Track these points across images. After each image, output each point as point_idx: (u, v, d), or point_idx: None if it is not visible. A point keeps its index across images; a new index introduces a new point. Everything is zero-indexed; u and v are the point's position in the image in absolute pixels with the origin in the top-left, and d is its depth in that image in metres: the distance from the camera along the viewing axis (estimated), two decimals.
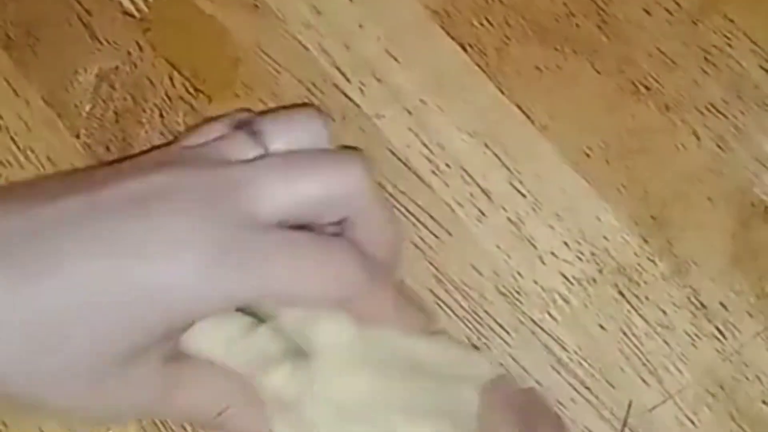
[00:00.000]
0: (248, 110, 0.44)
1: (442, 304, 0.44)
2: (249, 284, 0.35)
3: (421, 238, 0.45)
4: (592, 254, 0.44)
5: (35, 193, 0.37)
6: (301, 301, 0.38)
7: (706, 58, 0.47)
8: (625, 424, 0.42)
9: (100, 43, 0.48)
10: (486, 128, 0.46)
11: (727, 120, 0.46)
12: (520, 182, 0.45)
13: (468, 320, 0.44)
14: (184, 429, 0.42)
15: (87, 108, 0.47)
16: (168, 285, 0.35)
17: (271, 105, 0.47)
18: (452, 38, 0.48)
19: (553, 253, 0.45)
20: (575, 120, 0.46)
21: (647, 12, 0.48)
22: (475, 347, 0.43)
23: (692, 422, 0.42)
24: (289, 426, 0.39)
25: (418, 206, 0.45)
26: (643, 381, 0.43)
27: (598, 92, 0.47)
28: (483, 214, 0.45)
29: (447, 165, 0.46)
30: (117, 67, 0.48)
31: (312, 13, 0.48)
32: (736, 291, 0.44)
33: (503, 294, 0.44)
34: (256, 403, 0.39)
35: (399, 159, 0.46)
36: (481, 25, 0.48)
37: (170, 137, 0.47)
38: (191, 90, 0.47)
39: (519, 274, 0.44)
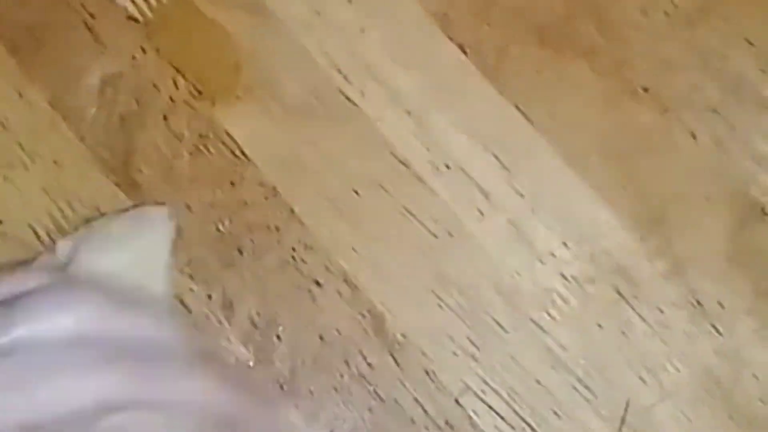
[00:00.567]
0: None
1: (441, 304, 0.45)
2: None
3: (422, 239, 0.45)
4: (591, 254, 0.45)
5: None
6: None
7: (703, 60, 0.47)
8: (623, 422, 0.43)
9: (105, 47, 0.49)
10: (485, 130, 0.47)
11: (725, 121, 0.46)
12: (519, 183, 0.46)
13: (467, 320, 0.44)
14: None
15: (92, 111, 0.48)
16: None
17: (273, 107, 0.47)
18: (452, 40, 0.48)
19: (551, 253, 0.45)
20: (574, 121, 0.47)
21: (645, 14, 0.48)
22: None
23: (690, 420, 0.43)
24: None
25: (419, 207, 0.46)
26: (641, 380, 0.43)
27: (597, 93, 0.47)
28: (482, 214, 0.46)
29: (447, 166, 0.46)
30: (121, 71, 0.48)
31: (313, 16, 0.48)
32: (734, 290, 0.44)
33: (502, 294, 0.45)
34: None
35: (399, 161, 0.46)
36: (481, 27, 0.48)
37: (174, 140, 0.47)
38: (194, 93, 0.48)
39: (518, 273, 0.45)
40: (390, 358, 0.45)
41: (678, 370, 0.43)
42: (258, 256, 0.46)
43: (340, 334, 0.45)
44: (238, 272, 0.46)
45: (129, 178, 0.47)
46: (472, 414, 0.44)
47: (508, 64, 0.48)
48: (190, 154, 0.47)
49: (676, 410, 0.43)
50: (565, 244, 0.45)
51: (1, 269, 0.44)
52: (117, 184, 0.47)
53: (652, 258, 0.44)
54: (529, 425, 0.43)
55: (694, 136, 0.46)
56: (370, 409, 0.44)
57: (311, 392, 0.44)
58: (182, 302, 0.45)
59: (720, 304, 0.44)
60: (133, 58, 0.48)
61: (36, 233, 0.46)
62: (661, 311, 0.44)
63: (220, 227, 0.46)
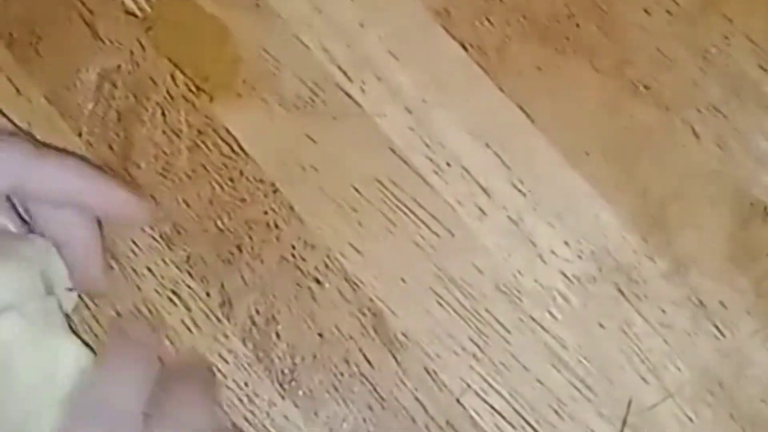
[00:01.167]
0: None
1: (442, 303, 0.44)
2: None
3: (422, 237, 0.45)
4: (592, 253, 0.45)
5: None
6: None
7: (705, 58, 0.47)
8: (624, 422, 0.42)
9: (103, 42, 0.48)
10: (486, 127, 0.46)
11: (726, 120, 0.46)
12: (521, 181, 0.46)
13: (468, 319, 0.44)
14: None
15: (89, 106, 0.47)
16: None
17: (272, 103, 0.47)
18: (453, 38, 0.48)
19: (553, 252, 0.45)
20: (575, 119, 0.46)
21: (647, 12, 0.48)
22: None
23: (691, 420, 0.43)
24: None
25: (419, 205, 0.46)
26: (643, 379, 0.43)
27: (598, 92, 0.47)
28: (483, 212, 0.45)
29: (447, 164, 0.46)
30: (119, 66, 0.48)
31: (313, 12, 0.48)
32: (736, 290, 0.44)
33: (503, 292, 0.44)
34: None
35: (400, 158, 0.46)
36: (482, 24, 0.48)
37: (172, 136, 0.47)
38: (193, 89, 0.48)
39: (519, 272, 0.45)
40: (390, 357, 0.44)
41: (679, 369, 0.43)
42: (257, 254, 0.46)
43: (340, 332, 0.45)
44: (237, 269, 0.46)
45: (127, 174, 0.47)
46: (473, 413, 0.44)
47: (510, 62, 0.47)
48: (189, 149, 0.47)
49: (678, 410, 0.43)
50: (566, 242, 0.45)
51: None
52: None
53: (653, 257, 0.44)
54: (530, 425, 0.43)
55: (695, 135, 0.46)
56: (370, 408, 0.44)
57: (311, 391, 0.44)
58: (180, 299, 0.45)
59: (721, 303, 0.44)
60: (131, 53, 0.48)
61: None
62: (663, 311, 0.44)
63: (219, 224, 0.46)
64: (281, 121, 0.47)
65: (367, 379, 0.44)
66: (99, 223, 0.44)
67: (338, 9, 0.48)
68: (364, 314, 0.45)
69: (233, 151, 0.47)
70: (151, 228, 0.46)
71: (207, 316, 0.45)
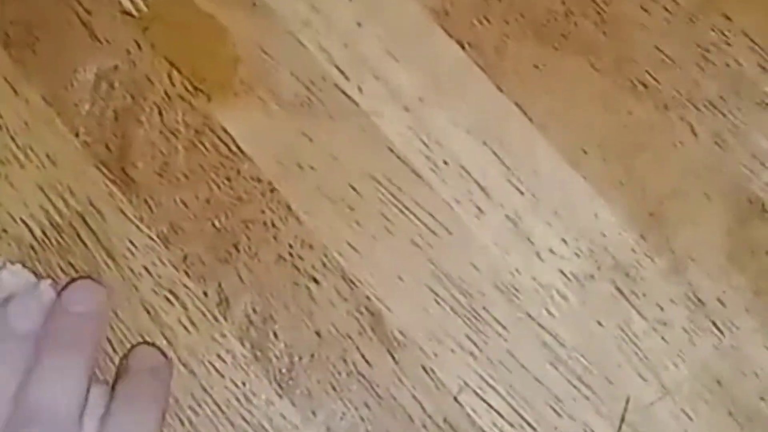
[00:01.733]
0: None
1: (440, 301, 0.44)
2: None
3: (420, 236, 0.45)
4: (590, 251, 0.45)
5: None
6: None
7: (704, 56, 0.47)
8: (623, 419, 0.42)
9: (100, 42, 0.48)
10: (484, 126, 0.46)
11: (725, 117, 0.46)
12: (518, 179, 0.46)
13: (466, 317, 0.44)
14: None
15: (86, 107, 0.47)
16: None
17: (270, 103, 0.47)
18: (451, 37, 0.48)
19: (551, 250, 0.45)
20: (573, 117, 0.46)
21: (645, 10, 0.48)
22: None
23: (690, 418, 0.42)
24: None
25: (417, 204, 0.46)
26: (641, 377, 0.43)
27: (596, 90, 0.47)
28: (481, 211, 0.45)
29: (445, 162, 0.46)
30: (116, 66, 0.48)
31: (311, 11, 0.48)
32: (734, 287, 0.44)
33: (501, 290, 0.44)
34: None
35: (397, 157, 0.46)
36: (480, 23, 0.48)
37: (169, 135, 0.47)
38: (190, 89, 0.48)
39: (517, 270, 0.45)
40: (388, 356, 0.44)
41: (678, 367, 0.43)
42: (254, 253, 0.46)
43: (337, 331, 0.45)
44: (234, 269, 0.45)
45: (124, 174, 0.47)
46: (470, 412, 0.43)
47: (508, 61, 0.47)
48: (186, 149, 0.47)
49: (676, 408, 0.43)
50: (564, 240, 0.45)
51: None
52: (112, 180, 0.46)
53: (651, 255, 0.44)
54: (528, 423, 0.43)
55: (694, 133, 0.46)
56: (367, 407, 0.44)
57: (308, 390, 0.44)
58: (177, 299, 0.45)
59: (720, 301, 0.44)
60: (128, 52, 0.48)
61: (30, 229, 0.46)
62: (661, 308, 0.44)
63: (216, 223, 0.46)
64: (279, 121, 0.47)
65: (364, 377, 0.44)
66: None
67: (336, 8, 0.48)
68: (361, 313, 0.45)
69: (230, 150, 0.47)
70: (148, 227, 0.46)
71: (204, 315, 0.45)
